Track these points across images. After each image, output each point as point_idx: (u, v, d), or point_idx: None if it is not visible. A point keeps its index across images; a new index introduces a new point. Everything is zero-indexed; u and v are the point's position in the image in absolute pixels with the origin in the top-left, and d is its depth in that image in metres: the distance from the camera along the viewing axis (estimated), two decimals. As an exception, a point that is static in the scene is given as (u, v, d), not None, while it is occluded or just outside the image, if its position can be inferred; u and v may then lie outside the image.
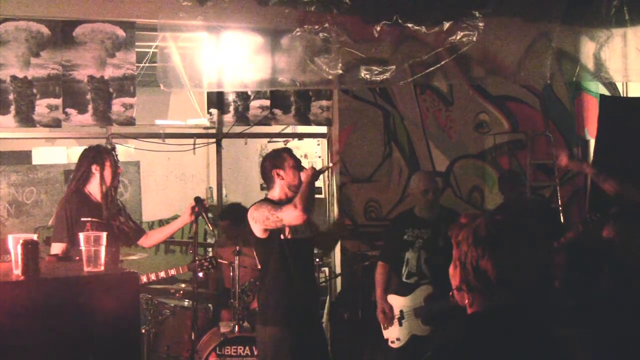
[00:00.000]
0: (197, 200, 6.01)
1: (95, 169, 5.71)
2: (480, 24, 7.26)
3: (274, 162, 5.38)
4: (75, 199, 5.67)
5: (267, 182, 5.45)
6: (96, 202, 5.72)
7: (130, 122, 7.27)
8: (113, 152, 5.93)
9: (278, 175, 5.30)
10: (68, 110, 7.04)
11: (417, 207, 6.27)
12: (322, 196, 8.87)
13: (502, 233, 2.59)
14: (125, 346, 3.92)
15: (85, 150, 5.85)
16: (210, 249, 7.31)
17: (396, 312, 6.15)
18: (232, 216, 7.52)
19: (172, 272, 6.13)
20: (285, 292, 5.19)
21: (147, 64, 8.44)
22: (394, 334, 6.17)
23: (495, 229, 2.59)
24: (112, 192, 5.81)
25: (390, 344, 6.20)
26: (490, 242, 2.56)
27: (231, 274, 6.61)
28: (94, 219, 5.62)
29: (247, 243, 7.40)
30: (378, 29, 7.32)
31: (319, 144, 8.88)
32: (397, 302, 6.17)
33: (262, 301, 5.38)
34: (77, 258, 4.31)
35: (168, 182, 11.64)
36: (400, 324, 6.12)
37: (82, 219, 5.57)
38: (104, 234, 4.02)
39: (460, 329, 2.69)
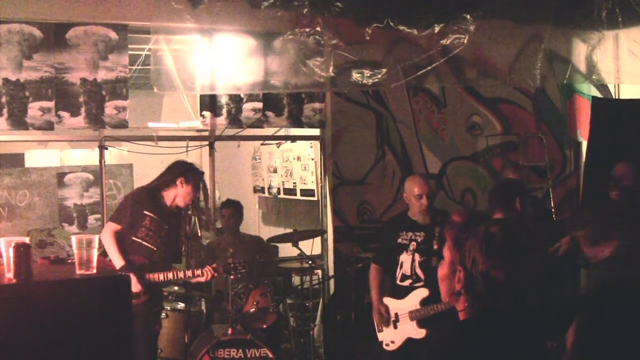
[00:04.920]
0: (194, 203, 6.13)
1: (180, 181, 6.11)
2: (472, 27, 7.27)
3: None
4: (147, 195, 6.17)
5: None
6: (166, 207, 6.16)
7: (123, 124, 7.27)
8: (202, 178, 6.33)
9: None
10: (61, 113, 7.02)
11: (411, 211, 6.24)
12: (315, 198, 8.89)
13: (515, 243, 2.60)
14: (118, 349, 3.92)
15: (181, 160, 6.38)
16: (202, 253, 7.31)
17: (391, 315, 6.15)
18: (234, 207, 7.68)
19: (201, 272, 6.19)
20: None
21: (139, 67, 8.42)
22: (388, 337, 6.16)
23: (509, 239, 2.60)
24: (189, 209, 6.24)
25: (385, 346, 6.19)
26: (504, 252, 2.57)
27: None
28: (155, 216, 6.05)
29: (242, 243, 7.46)
30: (370, 31, 7.33)
31: (311, 147, 8.89)
32: (392, 305, 6.15)
33: None
34: (70, 261, 4.32)
35: (161, 184, 11.62)
36: (395, 327, 6.11)
37: (145, 212, 6.04)
38: (96, 237, 4.03)
39: (456, 333, 2.70)
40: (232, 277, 6.58)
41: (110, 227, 6.03)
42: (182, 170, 6.16)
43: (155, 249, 6.03)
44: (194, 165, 6.34)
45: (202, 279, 6.16)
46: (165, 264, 6.08)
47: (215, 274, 6.18)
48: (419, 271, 6.03)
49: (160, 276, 5.97)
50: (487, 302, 2.57)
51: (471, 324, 2.63)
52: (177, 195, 6.12)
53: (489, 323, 2.58)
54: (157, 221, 6.05)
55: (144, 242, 5.99)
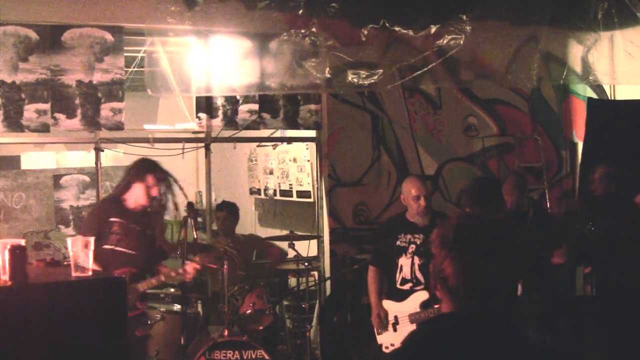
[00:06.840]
0: (189, 205, 6.11)
1: (136, 181, 5.93)
2: (468, 28, 7.25)
3: None
4: (109, 202, 6.08)
5: None
6: (130, 209, 5.95)
7: (119, 126, 7.27)
8: (158, 169, 6.05)
9: None
10: (56, 115, 7.02)
11: (409, 213, 6.20)
12: (311, 200, 8.88)
13: (470, 238, 2.50)
14: (113, 351, 3.91)
15: (133, 161, 6.19)
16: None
17: (391, 318, 6.12)
18: (230, 208, 7.69)
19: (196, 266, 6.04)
20: None
21: (135, 69, 8.42)
22: (388, 340, 6.13)
23: (464, 234, 2.51)
24: (156, 204, 6.06)
25: (384, 349, 6.16)
26: (454, 246, 2.49)
27: (220, 277, 6.62)
28: (122, 220, 5.86)
29: (238, 244, 7.45)
30: (366, 32, 7.31)
31: (307, 148, 8.88)
32: (392, 308, 6.12)
33: None
34: (66, 263, 4.32)
35: (157, 186, 11.61)
36: (395, 330, 6.09)
37: (111, 219, 5.85)
38: (92, 239, 4.03)
39: (427, 328, 2.68)
40: (226, 261, 6.50)
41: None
42: (135, 170, 6.02)
43: (135, 252, 5.84)
44: (148, 161, 6.17)
45: (187, 278, 6.02)
46: (153, 267, 6.00)
47: (199, 267, 5.99)
48: (418, 274, 5.99)
49: (147, 284, 5.87)
50: (457, 298, 2.51)
51: (442, 319, 2.59)
52: (138, 195, 5.93)
53: (459, 319, 2.52)
54: (125, 225, 5.87)
55: (117, 248, 5.77)
